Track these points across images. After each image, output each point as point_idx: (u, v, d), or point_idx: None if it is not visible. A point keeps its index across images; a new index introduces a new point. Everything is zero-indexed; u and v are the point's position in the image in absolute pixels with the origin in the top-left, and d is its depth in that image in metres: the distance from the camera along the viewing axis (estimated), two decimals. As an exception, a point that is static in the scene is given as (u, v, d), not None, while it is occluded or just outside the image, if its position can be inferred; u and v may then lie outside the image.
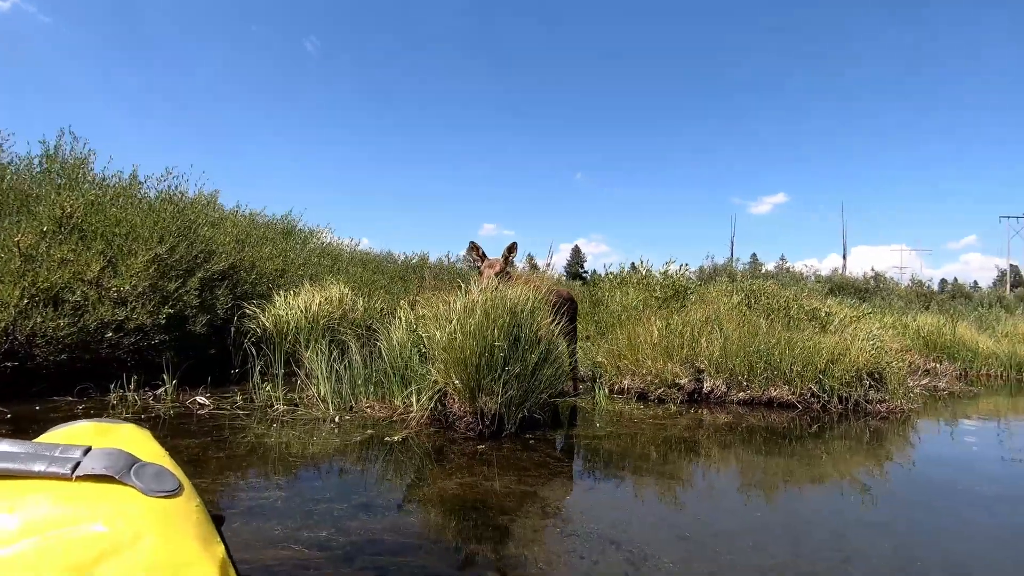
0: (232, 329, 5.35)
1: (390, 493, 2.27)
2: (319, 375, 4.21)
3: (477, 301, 3.45)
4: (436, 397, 3.34)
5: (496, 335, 3.19)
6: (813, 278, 20.10)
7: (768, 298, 6.05)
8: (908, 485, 2.76)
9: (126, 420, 0.69)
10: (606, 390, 4.80)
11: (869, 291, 18.98)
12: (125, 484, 0.53)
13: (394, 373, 3.84)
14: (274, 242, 7.46)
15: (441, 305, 3.79)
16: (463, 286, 3.79)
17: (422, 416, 3.33)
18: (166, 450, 0.65)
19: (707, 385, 4.94)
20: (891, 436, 3.88)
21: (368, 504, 2.11)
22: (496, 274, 4.06)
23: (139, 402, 3.77)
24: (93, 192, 5.00)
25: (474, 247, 4.36)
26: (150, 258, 4.51)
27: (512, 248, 4.28)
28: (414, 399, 3.74)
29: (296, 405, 3.83)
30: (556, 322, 3.70)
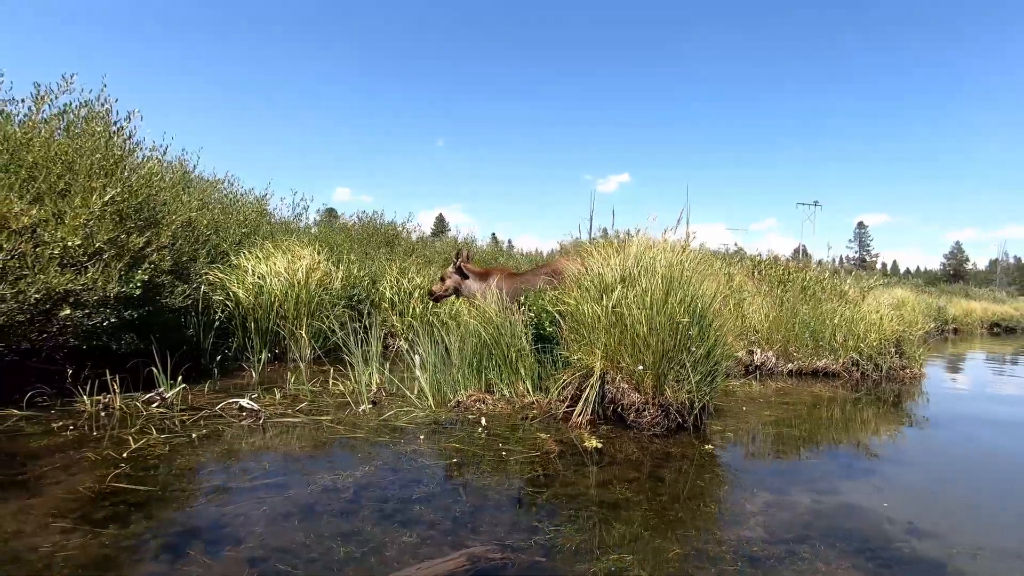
0: (199, 304, 4.01)
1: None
2: (362, 361, 3.25)
3: (631, 266, 2.82)
4: (596, 386, 2.68)
5: (678, 310, 2.61)
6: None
7: (774, 271, 6.13)
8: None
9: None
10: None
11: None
12: None
13: (502, 358, 3.06)
14: (203, 191, 5.83)
15: (567, 270, 3.08)
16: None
17: (587, 411, 2.64)
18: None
19: (758, 357, 4.81)
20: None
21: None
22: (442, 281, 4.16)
23: (143, 410, 2.54)
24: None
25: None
26: (105, 199, 3.10)
27: (457, 254, 4.24)
28: (529, 386, 3.03)
29: (375, 403, 2.88)
30: None
